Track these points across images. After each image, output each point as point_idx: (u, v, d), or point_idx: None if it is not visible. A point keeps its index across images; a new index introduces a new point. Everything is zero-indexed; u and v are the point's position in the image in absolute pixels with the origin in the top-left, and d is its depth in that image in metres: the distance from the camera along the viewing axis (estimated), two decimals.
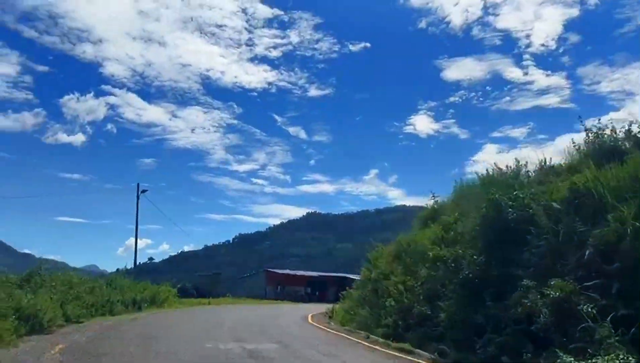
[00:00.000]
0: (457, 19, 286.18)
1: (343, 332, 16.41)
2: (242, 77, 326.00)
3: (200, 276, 55.26)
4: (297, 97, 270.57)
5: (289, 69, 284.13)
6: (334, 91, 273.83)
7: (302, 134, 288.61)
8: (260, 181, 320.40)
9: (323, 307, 33.14)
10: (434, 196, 20.02)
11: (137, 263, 36.55)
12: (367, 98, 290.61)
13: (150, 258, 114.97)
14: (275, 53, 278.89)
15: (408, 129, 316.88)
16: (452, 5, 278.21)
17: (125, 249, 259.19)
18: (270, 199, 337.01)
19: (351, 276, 61.07)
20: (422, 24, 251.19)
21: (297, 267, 77.24)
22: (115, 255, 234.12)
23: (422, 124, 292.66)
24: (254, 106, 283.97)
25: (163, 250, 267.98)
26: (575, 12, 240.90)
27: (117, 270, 38.17)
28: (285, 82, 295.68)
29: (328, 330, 17.15)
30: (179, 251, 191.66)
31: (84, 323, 16.23)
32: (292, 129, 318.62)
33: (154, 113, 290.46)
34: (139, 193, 34.65)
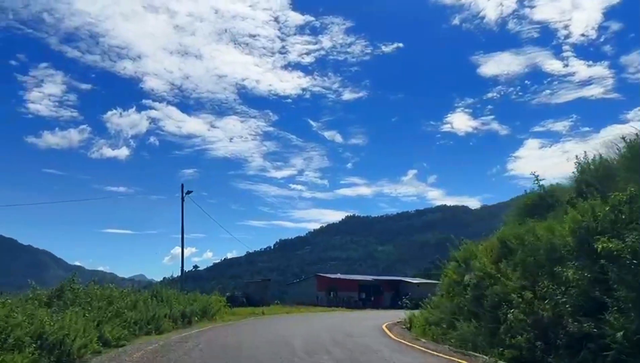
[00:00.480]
0: (491, 14, 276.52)
1: (449, 354, 12.64)
2: (277, 85, 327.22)
3: (249, 283, 52.54)
4: (331, 101, 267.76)
5: (323, 74, 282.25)
6: (368, 93, 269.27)
7: (338, 138, 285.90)
8: (298, 187, 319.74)
9: (388, 315, 29.50)
10: (537, 179, 16.17)
11: (184, 270, 33.85)
12: (402, 99, 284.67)
13: (195, 266, 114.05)
14: (308, 59, 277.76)
15: (445, 128, 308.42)
16: (485, 0, 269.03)
17: (171, 258, 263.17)
18: (309, 204, 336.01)
19: (407, 279, 56.94)
20: (456, 21, 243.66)
21: (339, 271, 73.59)
22: (161, 264, 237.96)
23: (460, 122, 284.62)
24: (289, 113, 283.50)
25: (207, 258, 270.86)
26: (615, 0, 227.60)
27: (164, 278, 35.75)
28: (319, 87, 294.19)
29: (427, 351, 13.40)
30: (222, 259, 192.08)
31: (125, 347, 13.20)
32: (327, 134, 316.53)
33: (193, 124, 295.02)
34: (184, 194, 32.00)
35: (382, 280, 53.89)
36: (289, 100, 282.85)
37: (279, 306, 42.67)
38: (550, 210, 14.71)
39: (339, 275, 56.15)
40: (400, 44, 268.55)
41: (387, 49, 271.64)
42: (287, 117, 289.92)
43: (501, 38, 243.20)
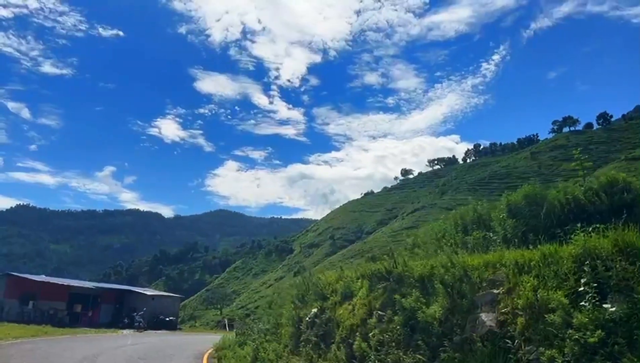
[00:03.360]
0: (217, 35, 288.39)
1: None
2: None
3: None
4: (25, 69, 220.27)
5: (20, 36, 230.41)
6: (75, 73, 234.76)
7: (26, 113, 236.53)
8: None
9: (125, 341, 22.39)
10: None
11: None
12: (112, 89, 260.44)
13: None
14: (4, 12, 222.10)
15: (153, 131, 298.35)
16: (214, 21, 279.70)
17: None
18: None
19: (137, 289, 47.67)
20: (182, 30, 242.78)
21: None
22: None
23: (169, 129, 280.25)
24: None
25: None
26: (318, 58, 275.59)
27: None
28: (12, 48, 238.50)
29: None
30: None
31: None
32: (12, 105, 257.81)
33: None
34: None
35: (102, 288, 42.94)
36: None
37: None
38: None
39: (43, 277, 42.03)
40: (121, 33, 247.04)
41: (105, 33, 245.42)
42: None
43: (221, 60, 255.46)
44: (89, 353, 16.11)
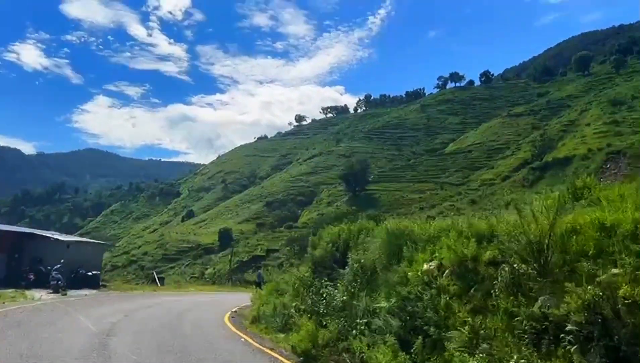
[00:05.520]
0: None
1: None
2: None
3: None
4: None
5: None
6: None
7: None
8: None
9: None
10: None
11: None
12: None
13: None
14: None
15: (10, 56, 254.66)
16: None
17: None
18: None
19: (44, 233, 37.22)
20: None
21: None
22: None
23: (29, 55, 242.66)
24: None
25: None
26: None
27: None
28: None
29: None
30: None
31: None
32: None
33: None
34: None
35: None
36: None
37: None
38: None
39: None
40: None
41: None
42: None
43: None
44: None
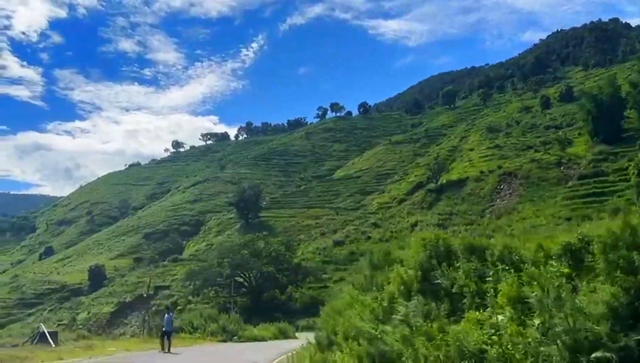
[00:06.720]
0: None
1: None
2: None
3: None
4: None
5: None
6: None
7: None
8: None
9: None
10: None
11: None
12: None
13: None
14: None
15: None
16: None
17: None
18: None
19: None
20: None
21: None
22: None
23: None
24: None
25: None
26: (63, 13, 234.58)
27: None
28: None
29: None
30: None
31: None
32: None
33: None
34: None
35: None
36: None
37: None
38: None
39: None
40: None
41: None
42: None
43: None
44: None
